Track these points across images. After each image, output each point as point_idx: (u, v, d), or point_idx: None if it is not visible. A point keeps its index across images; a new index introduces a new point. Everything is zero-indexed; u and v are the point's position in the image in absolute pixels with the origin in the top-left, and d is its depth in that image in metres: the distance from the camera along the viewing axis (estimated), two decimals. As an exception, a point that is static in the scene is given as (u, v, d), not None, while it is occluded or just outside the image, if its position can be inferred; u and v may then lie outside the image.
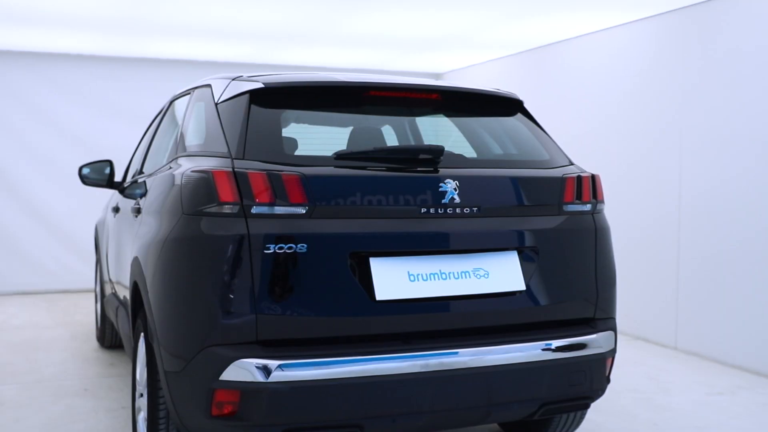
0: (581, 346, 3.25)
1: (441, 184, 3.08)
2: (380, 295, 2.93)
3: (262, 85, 3.23)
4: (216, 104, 3.36)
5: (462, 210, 3.11)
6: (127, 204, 4.37)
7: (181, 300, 2.96)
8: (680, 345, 6.21)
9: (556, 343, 3.17)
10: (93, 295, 7.95)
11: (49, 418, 4.39)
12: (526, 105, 3.77)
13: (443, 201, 3.07)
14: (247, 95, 3.21)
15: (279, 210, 2.87)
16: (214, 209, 2.87)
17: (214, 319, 2.82)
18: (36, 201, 8.98)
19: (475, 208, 3.14)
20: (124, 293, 4.16)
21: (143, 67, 9.28)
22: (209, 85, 3.60)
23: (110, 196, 5.84)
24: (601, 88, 7.22)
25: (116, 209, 4.95)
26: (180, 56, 9.15)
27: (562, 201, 3.34)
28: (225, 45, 8.35)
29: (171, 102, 4.57)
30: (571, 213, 3.36)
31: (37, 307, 8.15)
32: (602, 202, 3.50)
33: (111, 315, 5.27)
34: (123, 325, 4.43)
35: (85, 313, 7.77)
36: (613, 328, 3.41)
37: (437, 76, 10.28)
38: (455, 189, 3.09)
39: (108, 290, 5.37)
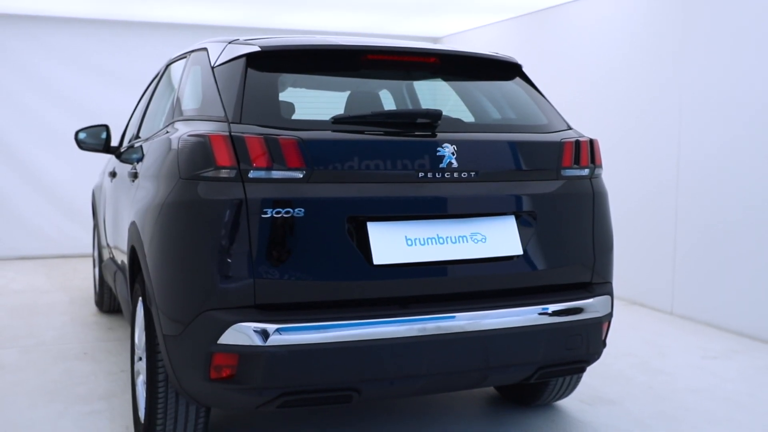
0: (578, 310, 3.26)
1: (439, 149, 3.07)
2: (378, 259, 2.93)
3: (259, 49, 3.21)
4: (212, 68, 3.34)
5: (460, 174, 3.10)
6: (123, 169, 4.36)
7: (178, 264, 2.96)
8: (676, 310, 6.24)
9: (552, 308, 3.18)
10: (91, 260, 7.98)
11: (49, 382, 4.43)
12: (524, 69, 3.74)
13: (441, 165, 3.06)
14: (243, 59, 3.18)
15: (276, 174, 2.86)
16: (211, 173, 2.86)
17: (211, 284, 2.82)
18: (32, 166, 8.96)
19: (472, 173, 3.13)
20: (122, 258, 4.17)
21: (139, 31, 9.20)
22: (205, 49, 3.57)
23: (107, 161, 5.82)
24: (600, 50, 7.18)
25: (113, 174, 4.94)
26: (176, 20, 9.07)
27: (560, 165, 3.34)
28: (221, 8, 8.28)
29: (167, 66, 4.54)
30: (569, 178, 3.36)
31: (36, 272, 8.17)
32: (600, 166, 3.49)
33: (109, 280, 5.29)
34: (121, 289, 4.44)
35: (84, 277, 7.80)
36: (610, 293, 3.43)
37: (435, 40, 10.20)
38: (453, 153, 3.08)
39: (106, 255, 5.38)
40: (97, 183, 6.20)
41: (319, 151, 2.92)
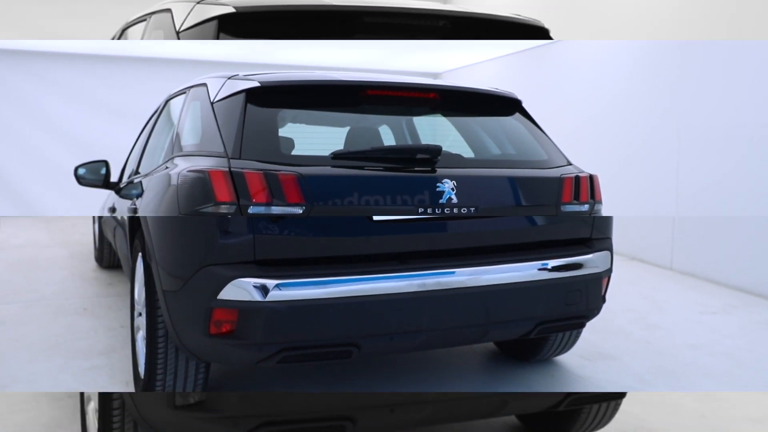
0: (577, 265, 3.26)
1: (438, 184, 3.04)
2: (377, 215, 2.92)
3: (258, 84, 3.15)
4: (212, 103, 3.28)
5: (459, 210, 3.08)
6: (123, 204, 4.32)
7: (179, 221, 2.95)
8: (675, 265, 6.25)
9: (552, 263, 3.18)
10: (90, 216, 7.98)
11: (49, 336, 4.44)
12: (524, 104, 3.70)
13: (441, 201, 3.03)
14: (243, 94, 3.13)
15: (276, 210, 2.82)
16: (210, 209, 2.82)
17: (212, 239, 2.81)
18: (33, 201, 8.93)
19: (472, 209, 3.10)
20: (122, 214, 4.16)
21: (138, 67, 9.10)
22: (205, 84, 3.51)
23: (106, 196, 5.74)
24: (598, 85, 7.16)
25: (112, 210, 4.91)
26: (175, 55, 8.96)
27: (559, 201, 3.31)
28: (220, 44, 8.17)
29: (166, 101, 4.46)
30: (568, 213, 3.34)
31: (36, 227, 8.18)
32: (600, 202, 3.47)
33: (109, 235, 5.28)
34: (121, 245, 4.43)
35: (83, 233, 7.80)
36: (609, 249, 3.42)
37: (435, 75, 10.09)
38: (453, 189, 3.05)
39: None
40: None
41: (319, 187, 2.88)
